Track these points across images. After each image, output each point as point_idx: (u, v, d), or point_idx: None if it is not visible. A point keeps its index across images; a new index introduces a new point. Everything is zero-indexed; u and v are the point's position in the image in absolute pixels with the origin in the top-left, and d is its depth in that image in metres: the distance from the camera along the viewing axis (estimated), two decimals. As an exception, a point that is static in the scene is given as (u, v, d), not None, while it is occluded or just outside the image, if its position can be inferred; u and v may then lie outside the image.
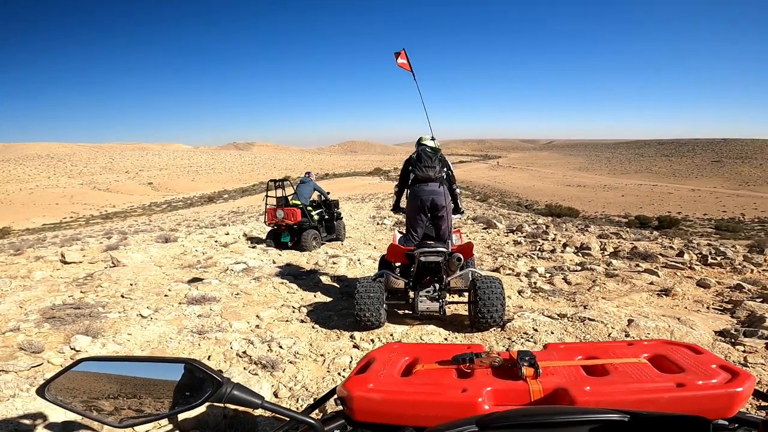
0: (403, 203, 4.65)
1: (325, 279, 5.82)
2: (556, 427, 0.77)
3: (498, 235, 9.85)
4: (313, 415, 0.97)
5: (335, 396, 1.06)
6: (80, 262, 6.84)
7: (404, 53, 5.10)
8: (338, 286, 5.49)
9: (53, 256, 7.02)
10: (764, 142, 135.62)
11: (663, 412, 0.77)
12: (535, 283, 5.29)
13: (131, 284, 5.26)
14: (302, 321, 4.18)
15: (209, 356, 3.41)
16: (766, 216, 49.50)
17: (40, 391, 0.81)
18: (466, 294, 4.08)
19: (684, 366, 0.98)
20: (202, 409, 2.30)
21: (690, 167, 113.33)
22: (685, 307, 4.50)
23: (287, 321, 4.20)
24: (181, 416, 2.28)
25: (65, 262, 6.76)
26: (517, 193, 67.95)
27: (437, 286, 3.92)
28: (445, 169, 4.17)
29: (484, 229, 10.93)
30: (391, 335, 3.79)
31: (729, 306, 4.46)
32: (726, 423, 0.91)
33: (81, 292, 4.95)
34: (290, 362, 3.29)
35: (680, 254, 7.26)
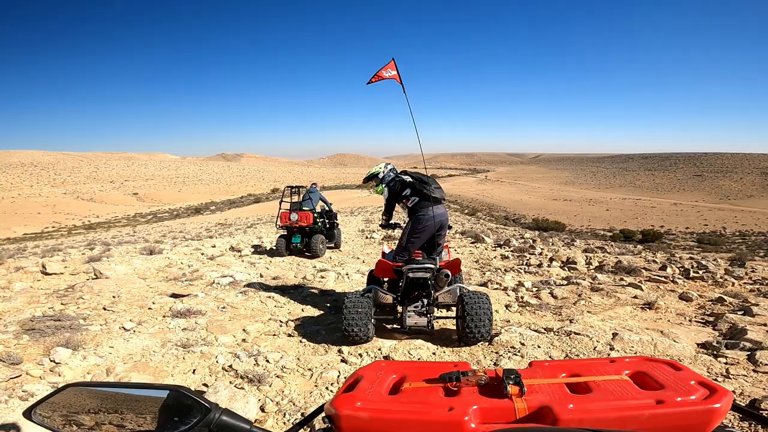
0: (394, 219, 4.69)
1: (313, 293, 5.78)
2: None
3: (486, 249, 9.92)
4: None
5: (323, 414, 1.06)
6: (61, 274, 6.70)
7: (394, 63, 5.08)
8: (326, 300, 5.46)
9: (34, 267, 6.87)
10: (744, 156, 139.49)
11: None
12: (522, 297, 5.33)
13: (114, 297, 5.16)
14: (290, 335, 4.15)
15: (194, 370, 3.35)
16: (747, 229, 50.64)
17: (27, 414, 0.81)
18: (454, 309, 4.11)
19: (664, 383, 0.99)
20: None
21: (672, 181, 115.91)
22: (668, 320, 4.57)
23: (274, 335, 4.15)
24: None
25: (46, 273, 6.62)
26: (504, 207, 68.59)
27: (425, 301, 3.95)
28: None
29: (473, 243, 11.00)
30: (380, 350, 3.77)
31: (711, 319, 4.55)
32: None
33: (62, 303, 4.84)
34: (277, 376, 3.25)
35: (663, 268, 7.40)
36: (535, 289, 5.76)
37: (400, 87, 5.01)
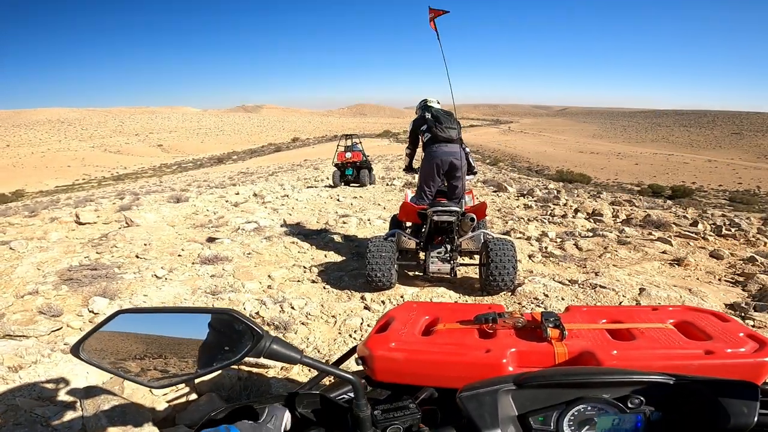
0: (416, 163, 4.61)
1: (335, 238, 5.85)
2: (598, 387, 0.75)
3: (509, 198, 9.76)
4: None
5: (355, 355, 1.05)
6: (94, 223, 6.94)
7: (432, 10, 4.75)
8: (349, 245, 5.52)
9: (68, 217, 7.13)
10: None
11: (709, 377, 0.75)
12: (545, 247, 5.26)
13: (145, 244, 5.33)
14: (313, 281, 4.24)
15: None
16: (783, 189, 48.43)
17: (75, 350, 0.77)
18: (477, 256, 4.07)
19: (711, 333, 0.96)
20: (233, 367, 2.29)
21: (708, 138, 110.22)
22: (697, 278, 4.46)
23: (298, 281, 4.25)
24: (197, 379, 2.32)
25: (80, 223, 6.86)
26: (527, 158, 66.98)
27: (449, 247, 3.89)
28: (460, 132, 4.13)
29: (495, 192, 10.83)
30: (402, 297, 3.82)
31: (741, 279, 4.41)
32: None
33: (97, 252, 5.03)
34: (302, 323, 3.35)
35: (694, 224, 7.16)
36: (559, 240, 5.67)
37: (435, 34, 4.72)
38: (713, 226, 7.04)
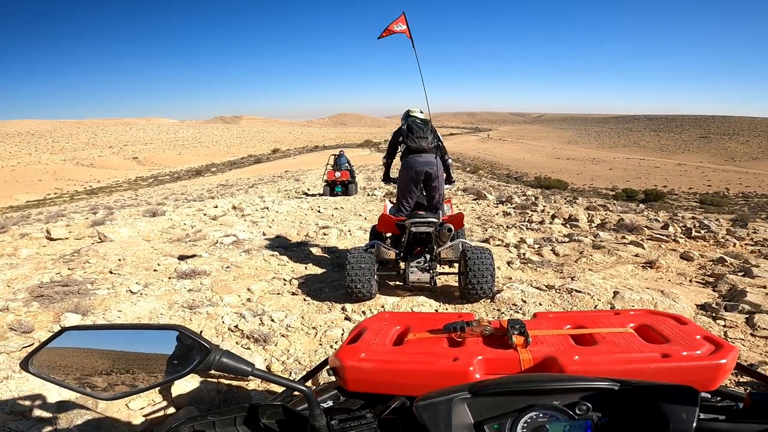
0: (394, 174, 4.68)
1: (315, 250, 5.82)
2: (548, 394, 0.77)
3: (488, 206, 9.91)
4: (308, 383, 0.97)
5: (328, 366, 1.06)
6: (66, 239, 6.74)
7: (404, 18, 4.80)
8: (329, 257, 5.51)
9: (39, 233, 6.91)
10: (751, 120, 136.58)
11: (652, 382, 0.78)
12: (524, 254, 5.36)
13: (119, 260, 5.21)
14: (293, 293, 4.20)
15: (201, 331, 3.42)
16: (751, 191, 50.36)
17: (24, 364, 0.78)
18: (457, 265, 4.13)
19: (669, 336, 0.99)
20: (189, 379, 2.29)
21: (677, 142, 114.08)
22: (669, 280, 4.60)
23: (278, 294, 4.21)
24: (174, 392, 2.29)
25: (51, 239, 6.66)
26: (507, 165, 68.02)
27: (428, 256, 3.95)
28: (436, 140, 4.17)
29: (475, 200, 10.99)
30: (382, 307, 3.83)
31: (711, 279, 4.56)
32: (708, 396, 0.92)
33: (68, 268, 4.89)
34: (282, 336, 3.31)
35: (665, 227, 7.40)
36: (536, 246, 5.78)
37: (410, 42, 4.73)
38: (683, 229, 7.29)
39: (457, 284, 4.12)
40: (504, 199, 10.60)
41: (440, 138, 4.28)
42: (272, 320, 3.53)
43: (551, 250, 5.52)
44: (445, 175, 4.32)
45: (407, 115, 4.39)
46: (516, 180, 38.51)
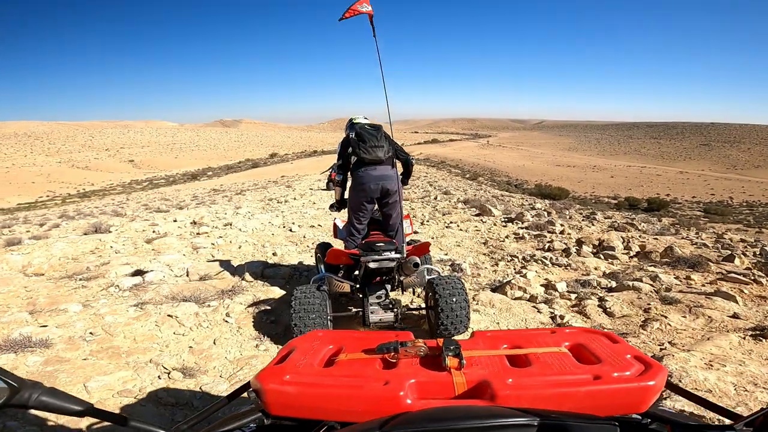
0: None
1: (251, 298, 4.00)
2: None
3: (495, 225, 8.09)
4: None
5: (250, 389, 0.99)
6: None
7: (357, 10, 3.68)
8: (268, 311, 3.71)
9: None
10: (752, 127, 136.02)
11: (573, 415, 0.78)
12: (561, 315, 3.56)
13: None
14: (162, 403, 2.36)
15: None
16: (755, 200, 49.16)
17: None
18: (423, 294, 3.63)
19: (601, 356, 0.97)
20: None
21: (678, 150, 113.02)
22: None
23: (135, 399, 2.38)
24: None
25: None
26: (506, 172, 66.41)
27: (388, 287, 3.31)
28: (392, 148, 3.55)
29: (478, 215, 9.16)
30: None
31: None
32: (639, 418, 0.88)
33: None
34: None
35: (729, 258, 5.62)
36: (573, 296, 3.99)
37: (371, 30, 3.67)
38: (756, 261, 5.50)
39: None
40: (514, 217, 8.73)
41: (396, 143, 3.69)
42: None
43: (599, 305, 3.71)
44: (403, 189, 3.74)
45: (351, 124, 3.75)
46: (516, 187, 36.86)
